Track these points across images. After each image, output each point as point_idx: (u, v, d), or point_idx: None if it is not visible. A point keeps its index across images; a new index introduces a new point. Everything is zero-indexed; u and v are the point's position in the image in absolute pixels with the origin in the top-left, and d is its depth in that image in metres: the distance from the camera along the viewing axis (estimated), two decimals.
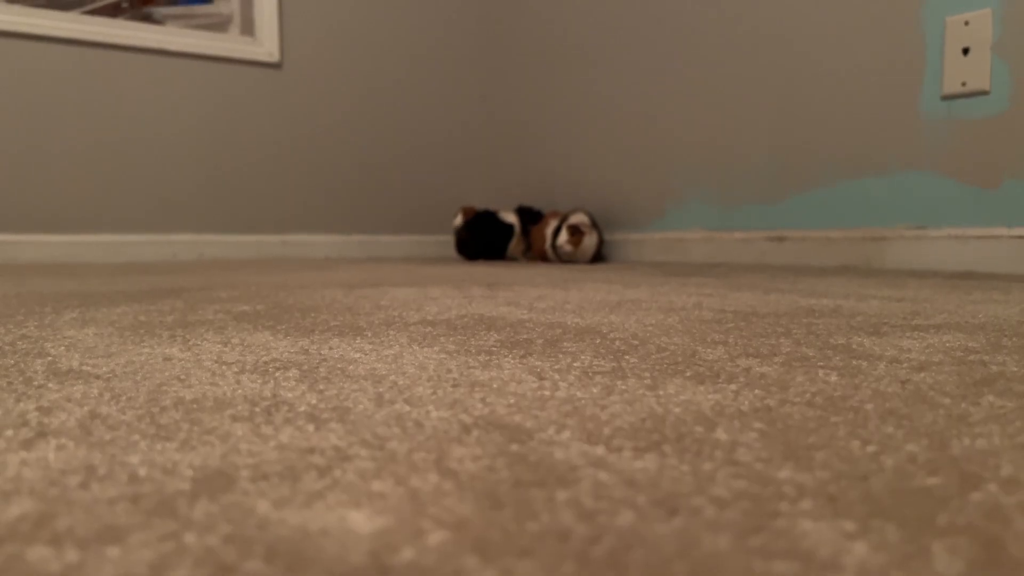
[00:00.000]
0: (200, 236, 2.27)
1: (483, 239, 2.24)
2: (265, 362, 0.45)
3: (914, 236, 1.39)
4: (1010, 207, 1.28)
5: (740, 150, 1.76)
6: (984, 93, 1.31)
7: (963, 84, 1.32)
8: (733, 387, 0.38)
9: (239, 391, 0.37)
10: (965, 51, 1.32)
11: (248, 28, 2.34)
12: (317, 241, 2.44)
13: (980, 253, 1.30)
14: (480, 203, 2.75)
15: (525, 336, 0.56)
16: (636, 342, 0.53)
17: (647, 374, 0.41)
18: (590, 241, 1.99)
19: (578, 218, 2.00)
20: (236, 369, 0.43)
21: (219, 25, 2.30)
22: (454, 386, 0.38)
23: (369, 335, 0.57)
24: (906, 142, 1.42)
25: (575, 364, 0.44)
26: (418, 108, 2.62)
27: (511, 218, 2.26)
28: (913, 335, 0.57)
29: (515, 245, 2.26)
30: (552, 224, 2.07)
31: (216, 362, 0.45)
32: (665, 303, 0.83)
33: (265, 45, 2.36)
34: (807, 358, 0.46)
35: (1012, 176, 1.28)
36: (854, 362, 0.45)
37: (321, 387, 0.38)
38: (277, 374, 0.41)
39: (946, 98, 1.36)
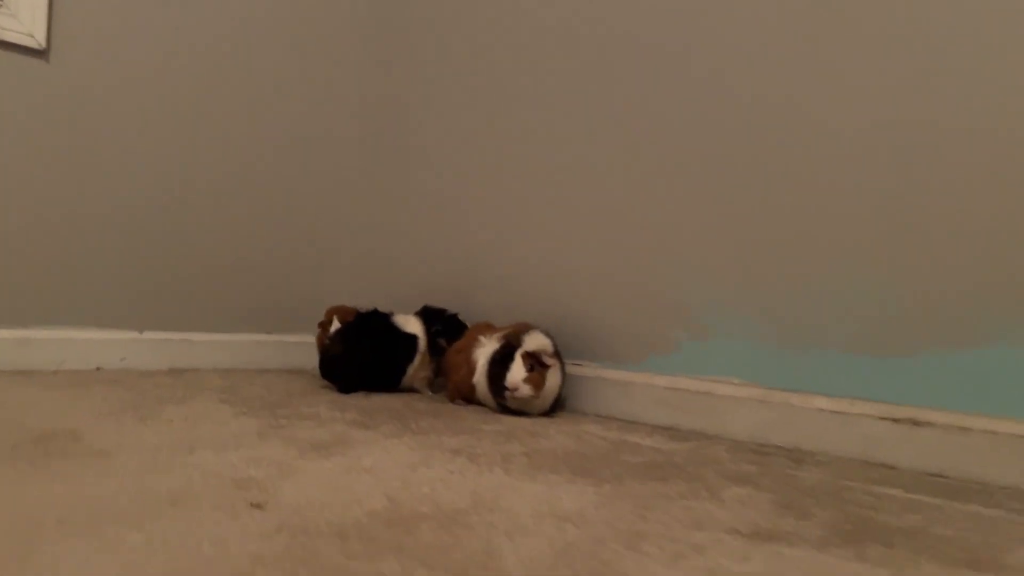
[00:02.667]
0: None
1: (368, 356, 1.43)
2: None
3: None
4: None
5: (825, 250, 1.12)
6: None
7: None
8: None
9: None
10: None
11: None
12: (84, 339, 1.50)
13: None
14: (358, 302, 1.87)
15: None
16: None
17: None
18: (553, 381, 1.26)
19: (537, 342, 1.25)
20: None
21: None
22: None
23: None
24: None
25: None
26: (269, 155, 1.78)
27: (413, 326, 1.48)
28: None
29: (417, 368, 1.47)
30: (488, 344, 1.32)
31: None
32: None
33: (23, 20, 1.45)
34: None
35: None
36: None
37: None
38: None
39: None
